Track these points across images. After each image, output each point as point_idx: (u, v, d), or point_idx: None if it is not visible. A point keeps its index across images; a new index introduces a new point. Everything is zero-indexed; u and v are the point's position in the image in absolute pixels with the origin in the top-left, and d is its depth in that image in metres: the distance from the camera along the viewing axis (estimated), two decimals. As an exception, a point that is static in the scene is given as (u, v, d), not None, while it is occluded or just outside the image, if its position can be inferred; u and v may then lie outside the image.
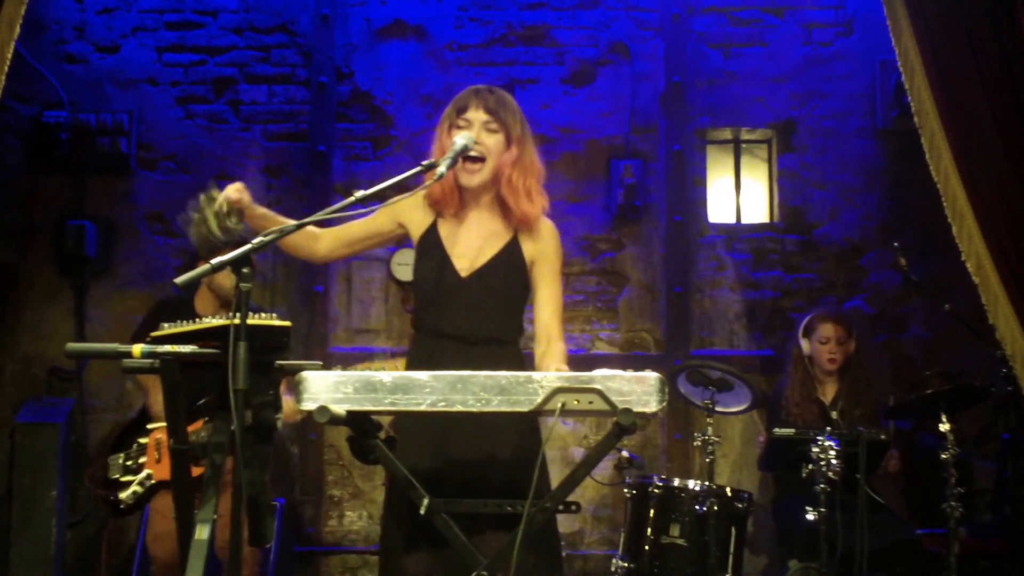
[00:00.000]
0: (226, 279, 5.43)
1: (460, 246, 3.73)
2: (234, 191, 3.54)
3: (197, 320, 3.24)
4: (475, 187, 3.67)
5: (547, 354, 3.67)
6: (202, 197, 3.56)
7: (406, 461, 3.47)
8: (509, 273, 3.71)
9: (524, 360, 3.77)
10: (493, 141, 3.66)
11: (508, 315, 3.73)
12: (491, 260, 3.71)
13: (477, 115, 3.67)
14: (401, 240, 3.94)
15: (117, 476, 5.45)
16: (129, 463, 5.45)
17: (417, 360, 3.70)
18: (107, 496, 5.44)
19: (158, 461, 5.35)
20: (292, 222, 3.60)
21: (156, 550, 5.43)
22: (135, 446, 5.47)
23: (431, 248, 3.75)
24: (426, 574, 3.47)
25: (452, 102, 3.76)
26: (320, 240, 3.83)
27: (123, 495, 5.39)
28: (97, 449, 5.67)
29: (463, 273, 3.70)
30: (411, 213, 3.80)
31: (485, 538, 3.29)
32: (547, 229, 3.79)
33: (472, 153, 3.61)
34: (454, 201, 3.73)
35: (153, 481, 5.36)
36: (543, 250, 3.76)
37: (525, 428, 3.59)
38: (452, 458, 3.52)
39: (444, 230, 3.75)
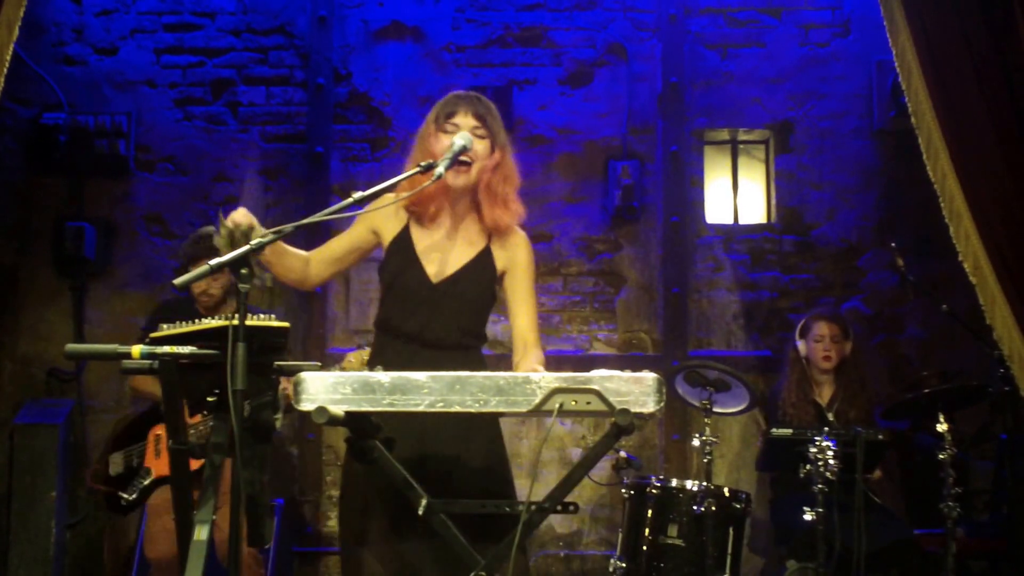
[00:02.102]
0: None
1: (432, 251, 3.73)
2: (241, 215, 3.36)
3: (197, 321, 3.25)
4: (460, 188, 3.67)
5: (524, 358, 3.70)
6: (215, 232, 3.41)
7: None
8: (479, 282, 3.73)
9: (486, 363, 3.78)
10: (481, 146, 3.68)
11: (475, 322, 3.75)
12: (463, 268, 3.72)
13: (466, 120, 3.68)
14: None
15: (119, 473, 5.49)
16: (130, 460, 5.48)
17: (380, 361, 3.60)
18: (109, 494, 5.48)
19: (157, 456, 5.38)
20: (294, 251, 3.69)
21: (151, 552, 5.45)
22: (136, 444, 5.50)
23: (402, 251, 3.74)
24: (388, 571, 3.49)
25: (438, 106, 3.77)
26: (309, 263, 3.77)
27: (124, 492, 5.43)
28: (100, 448, 5.69)
29: (434, 279, 3.70)
30: (383, 218, 3.78)
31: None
32: (519, 239, 3.81)
33: (462, 157, 3.62)
34: (434, 202, 3.72)
35: (153, 477, 5.39)
36: (516, 259, 3.78)
37: (493, 432, 3.67)
38: (428, 459, 3.52)
39: (417, 234, 3.75)
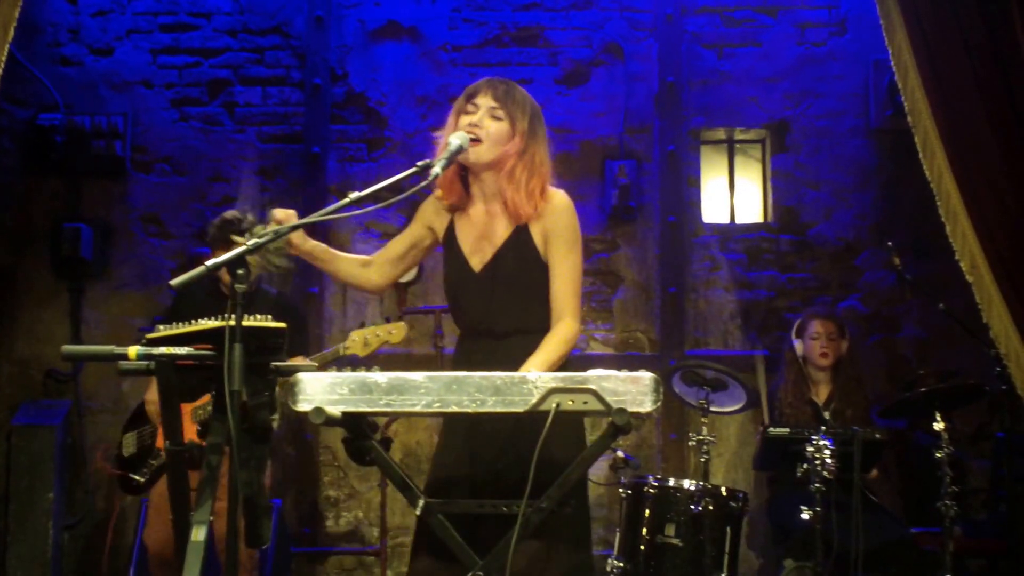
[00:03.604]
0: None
1: (471, 241, 3.74)
2: (282, 213, 3.49)
3: (194, 322, 3.24)
4: (473, 163, 3.65)
5: (547, 337, 3.61)
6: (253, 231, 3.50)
7: (446, 462, 3.60)
8: (520, 260, 3.68)
9: None
10: (495, 128, 3.65)
11: (529, 304, 3.68)
12: (500, 249, 3.69)
13: (485, 101, 3.69)
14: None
15: (131, 453, 5.50)
16: (143, 440, 5.50)
17: (457, 358, 3.77)
18: (121, 475, 5.50)
19: None
20: (347, 255, 3.79)
21: (150, 540, 5.47)
22: (148, 425, 5.52)
23: (449, 246, 3.79)
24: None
25: (465, 90, 3.78)
26: (372, 266, 3.85)
27: (135, 474, 5.45)
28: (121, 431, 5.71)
29: (476, 268, 3.71)
30: (436, 216, 3.83)
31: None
32: (555, 202, 3.72)
33: (471, 134, 3.62)
34: (456, 190, 3.74)
35: (163, 458, 5.40)
36: (554, 224, 3.70)
37: (571, 432, 3.56)
38: (490, 461, 3.52)
39: (459, 226, 3.78)
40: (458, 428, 3.64)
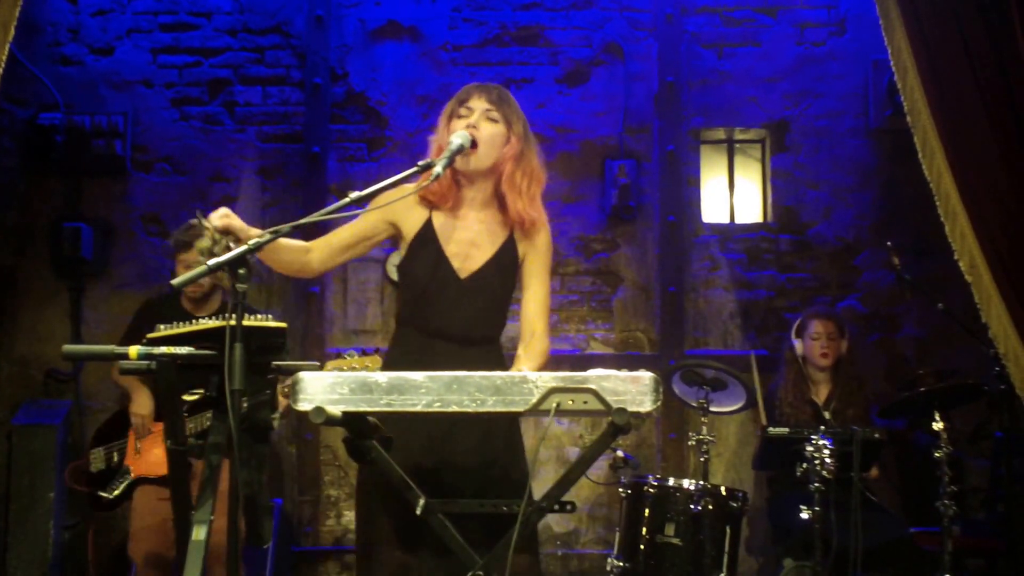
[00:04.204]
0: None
1: (456, 245, 3.67)
2: (219, 217, 3.31)
3: (193, 322, 3.24)
4: (470, 171, 3.63)
5: (527, 349, 3.66)
6: (196, 229, 3.36)
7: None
8: (504, 274, 3.69)
9: (504, 357, 3.74)
10: (491, 131, 3.63)
11: (498, 314, 3.73)
12: (489, 261, 3.67)
13: (479, 104, 3.65)
14: (393, 240, 3.82)
15: (100, 469, 5.49)
16: (111, 457, 5.49)
17: (403, 357, 3.64)
18: (90, 492, 5.48)
19: (137, 454, 5.38)
20: (288, 242, 3.56)
21: (134, 551, 5.42)
22: (117, 441, 5.51)
23: (426, 245, 3.68)
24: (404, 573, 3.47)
25: (455, 95, 3.74)
26: (311, 252, 3.67)
27: (104, 490, 5.44)
28: (87, 445, 5.70)
29: (461, 274, 3.65)
30: (404, 211, 3.69)
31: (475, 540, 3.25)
32: (540, 224, 3.75)
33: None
34: (450, 196, 3.68)
35: (132, 476, 5.39)
36: (534, 245, 3.73)
37: (504, 429, 3.61)
38: (435, 457, 3.52)
39: (440, 227, 3.68)
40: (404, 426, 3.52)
